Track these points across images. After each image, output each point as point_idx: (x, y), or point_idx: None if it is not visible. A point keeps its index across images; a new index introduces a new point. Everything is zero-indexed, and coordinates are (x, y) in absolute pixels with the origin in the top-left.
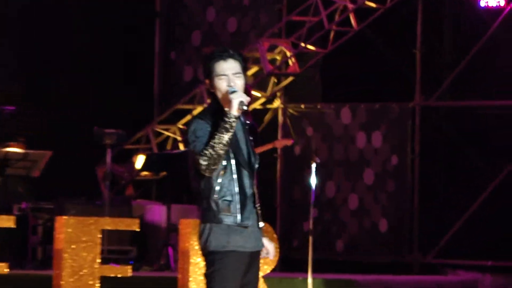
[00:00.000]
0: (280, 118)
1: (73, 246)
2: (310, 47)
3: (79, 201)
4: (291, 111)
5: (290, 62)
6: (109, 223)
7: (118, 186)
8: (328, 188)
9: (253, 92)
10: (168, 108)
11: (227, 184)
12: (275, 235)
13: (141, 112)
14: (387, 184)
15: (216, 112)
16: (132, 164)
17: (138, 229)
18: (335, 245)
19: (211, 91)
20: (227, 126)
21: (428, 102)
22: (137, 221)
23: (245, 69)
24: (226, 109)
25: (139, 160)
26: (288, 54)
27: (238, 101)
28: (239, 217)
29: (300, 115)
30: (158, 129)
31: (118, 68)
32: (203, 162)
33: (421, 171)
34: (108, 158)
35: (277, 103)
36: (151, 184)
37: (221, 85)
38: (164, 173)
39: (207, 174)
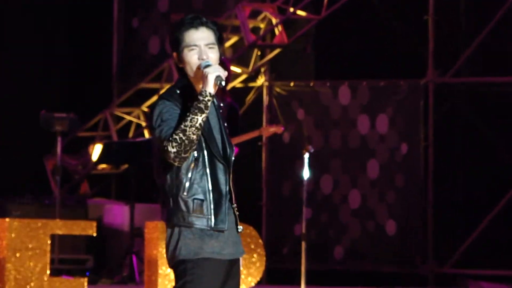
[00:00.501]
0: (265, 98)
1: (17, 255)
2: (300, 12)
3: (24, 200)
4: (278, 90)
5: (276, 31)
6: (61, 227)
7: (70, 182)
8: (324, 183)
9: (232, 68)
10: (129, 87)
11: (198, 179)
12: (260, 241)
13: (97, 92)
14: (395, 178)
15: (186, 91)
16: (87, 155)
17: (95, 234)
18: (333, 252)
19: (180, 66)
20: (201, 106)
21: (443, 78)
22: (93, 224)
23: (220, 39)
24: (199, 86)
25: (96, 151)
26: (274, 21)
27: (214, 75)
28: (213, 219)
29: (289, 95)
30: (118, 112)
31: (69, 39)
32: (171, 149)
33: (436, 162)
34: (59, 148)
35: (261, 80)
36: (111, 180)
37: (192, 58)
38: (126, 165)
39: (176, 164)
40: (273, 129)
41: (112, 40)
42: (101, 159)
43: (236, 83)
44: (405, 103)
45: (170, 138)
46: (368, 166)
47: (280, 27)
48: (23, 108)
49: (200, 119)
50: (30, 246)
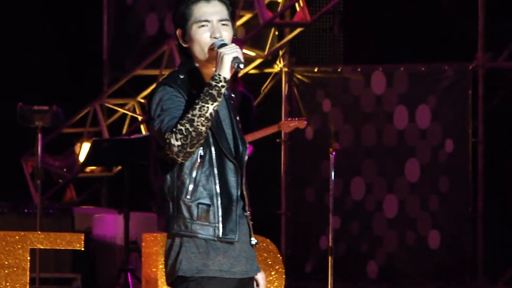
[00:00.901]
0: (284, 87)
1: None
2: None
3: None
4: (299, 77)
5: (297, 7)
6: (42, 240)
7: (54, 187)
8: (355, 188)
9: (245, 51)
10: (123, 74)
11: (204, 181)
12: (279, 256)
13: (85, 81)
14: (438, 181)
15: (191, 76)
16: (73, 155)
17: (82, 248)
18: (365, 269)
19: (184, 46)
20: (214, 92)
21: (495, 63)
22: (81, 236)
23: (233, 16)
24: (209, 70)
25: (83, 150)
26: None
27: (230, 56)
28: (220, 228)
29: (313, 83)
30: (109, 104)
31: (50, 18)
32: (175, 141)
33: (487, 162)
34: (39, 147)
35: (279, 65)
36: (101, 184)
37: (202, 36)
38: (119, 168)
39: (179, 160)
40: (294, 124)
41: (102, 19)
42: (89, 160)
43: (250, 69)
44: (450, 92)
45: (174, 129)
46: (406, 167)
47: (301, 2)
48: None
49: (211, 108)
50: (6, 263)
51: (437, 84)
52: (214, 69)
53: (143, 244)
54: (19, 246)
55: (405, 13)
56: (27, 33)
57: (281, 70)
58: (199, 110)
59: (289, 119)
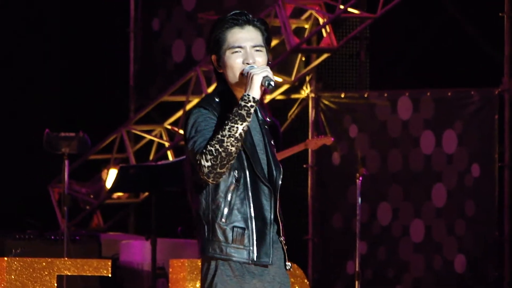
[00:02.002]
0: (311, 112)
1: None
2: (352, 10)
3: (26, 235)
4: (326, 102)
5: (324, 33)
6: (69, 267)
7: (80, 213)
8: (382, 213)
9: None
10: (149, 101)
11: (239, 204)
12: (306, 281)
13: (112, 107)
14: (465, 206)
15: (225, 99)
16: (100, 181)
17: (110, 275)
18: None
19: (219, 72)
20: (243, 112)
21: None
22: (108, 263)
23: (268, 41)
24: (241, 94)
25: (110, 176)
26: (321, 21)
27: (260, 76)
28: (255, 251)
29: (340, 108)
30: (136, 131)
31: (78, 44)
32: (205, 162)
33: None
34: (66, 174)
35: (306, 91)
36: (128, 211)
37: (235, 61)
38: (146, 194)
39: (210, 181)
40: (321, 141)
41: (128, 45)
42: (116, 186)
43: (277, 94)
44: (476, 116)
45: (204, 150)
46: (433, 192)
47: (328, 28)
48: (23, 127)
49: (240, 128)
50: None
51: (463, 109)
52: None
53: (170, 270)
54: (46, 273)
55: (431, 38)
56: (54, 60)
57: (307, 95)
58: (229, 131)
59: (316, 137)
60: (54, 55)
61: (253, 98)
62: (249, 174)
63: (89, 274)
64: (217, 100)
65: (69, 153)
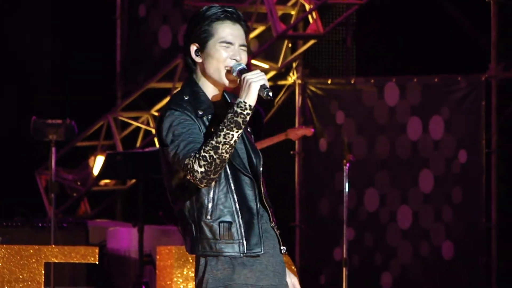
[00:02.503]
0: (298, 99)
1: None
2: None
3: (13, 222)
4: (313, 88)
5: (310, 19)
6: (57, 254)
7: (68, 200)
8: (369, 199)
9: (258, 63)
10: (136, 87)
11: (222, 199)
12: (294, 267)
13: (98, 94)
14: (452, 192)
15: (195, 95)
16: (87, 168)
17: (97, 262)
18: (379, 280)
19: (196, 60)
20: (239, 120)
21: (508, 73)
22: (95, 250)
23: (248, 42)
24: (218, 88)
25: (97, 163)
26: (308, 7)
27: (258, 84)
28: (245, 243)
29: (326, 95)
30: (123, 117)
31: (62, 31)
32: (198, 168)
33: (500, 173)
34: (53, 161)
35: (292, 78)
36: (115, 197)
37: (222, 54)
38: (133, 181)
39: (202, 186)
40: (301, 131)
41: (115, 31)
42: (103, 173)
43: None
44: (463, 103)
45: (197, 156)
46: (420, 179)
47: (314, 14)
48: (10, 114)
49: (236, 135)
50: (21, 277)
51: (450, 95)
52: (220, 89)
53: (158, 257)
54: (33, 260)
55: (418, 24)
56: (40, 47)
57: (294, 82)
58: (224, 138)
59: (296, 127)
60: (41, 42)
61: (250, 106)
62: (229, 168)
63: (77, 261)
64: (186, 98)
65: (56, 140)
